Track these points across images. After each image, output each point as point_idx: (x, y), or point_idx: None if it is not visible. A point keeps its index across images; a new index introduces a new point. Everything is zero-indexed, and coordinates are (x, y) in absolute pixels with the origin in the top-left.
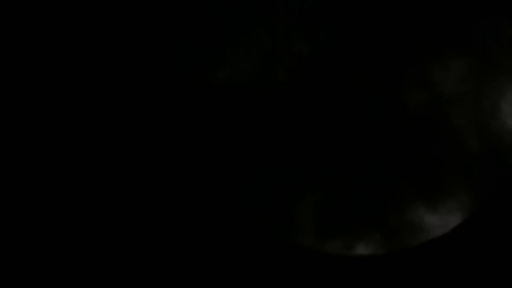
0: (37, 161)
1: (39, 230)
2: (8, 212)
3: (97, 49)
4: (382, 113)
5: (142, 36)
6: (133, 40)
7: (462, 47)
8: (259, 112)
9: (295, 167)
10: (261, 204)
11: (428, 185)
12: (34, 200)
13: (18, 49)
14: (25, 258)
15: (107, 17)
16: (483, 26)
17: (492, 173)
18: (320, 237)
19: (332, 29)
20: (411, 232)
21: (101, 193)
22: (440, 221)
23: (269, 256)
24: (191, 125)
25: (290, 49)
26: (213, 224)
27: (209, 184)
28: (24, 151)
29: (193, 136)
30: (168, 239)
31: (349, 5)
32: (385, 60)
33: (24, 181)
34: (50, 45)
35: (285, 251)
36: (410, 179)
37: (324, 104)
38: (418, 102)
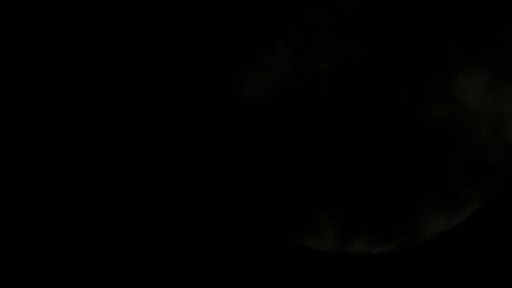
0: (45, 162)
1: (37, 230)
2: (8, 212)
3: (118, 57)
4: (405, 127)
5: (166, 48)
6: (158, 51)
7: (484, 61)
8: (279, 127)
9: (316, 178)
10: (281, 214)
11: (447, 196)
12: (31, 200)
13: (22, 49)
14: (25, 258)
15: (129, 25)
16: (499, 38)
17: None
18: (340, 243)
19: (354, 44)
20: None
21: (118, 195)
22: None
23: (287, 260)
24: (214, 137)
25: (311, 64)
26: (233, 234)
27: (228, 195)
28: (25, 151)
29: (215, 148)
30: (186, 246)
31: (371, 20)
32: (408, 74)
33: (22, 181)
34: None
35: (303, 255)
36: (430, 191)
37: (345, 117)
38: (441, 116)
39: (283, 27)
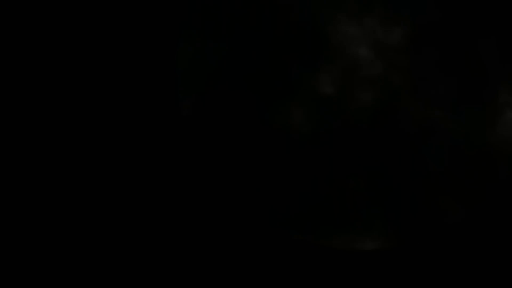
0: (34, 163)
1: (35, 231)
2: (7, 212)
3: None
4: (447, 154)
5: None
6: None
7: None
8: (322, 153)
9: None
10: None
11: (470, 201)
12: (27, 202)
13: (19, 48)
14: (25, 258)
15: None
16: None
17: None
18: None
19: (396, 75)
20: None
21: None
22: None
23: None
24: (252, 164)
25: (350, 98)
26: (273, 249)
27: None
28: (20, 152)
29: (262, 168)
30: (226, 250)
31: (412, 52)
32: (451, 106)
33: (16, 181)
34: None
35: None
36: (457, 201)
37: (383, 147)
38: (481, 142)
39: (326, 60)
